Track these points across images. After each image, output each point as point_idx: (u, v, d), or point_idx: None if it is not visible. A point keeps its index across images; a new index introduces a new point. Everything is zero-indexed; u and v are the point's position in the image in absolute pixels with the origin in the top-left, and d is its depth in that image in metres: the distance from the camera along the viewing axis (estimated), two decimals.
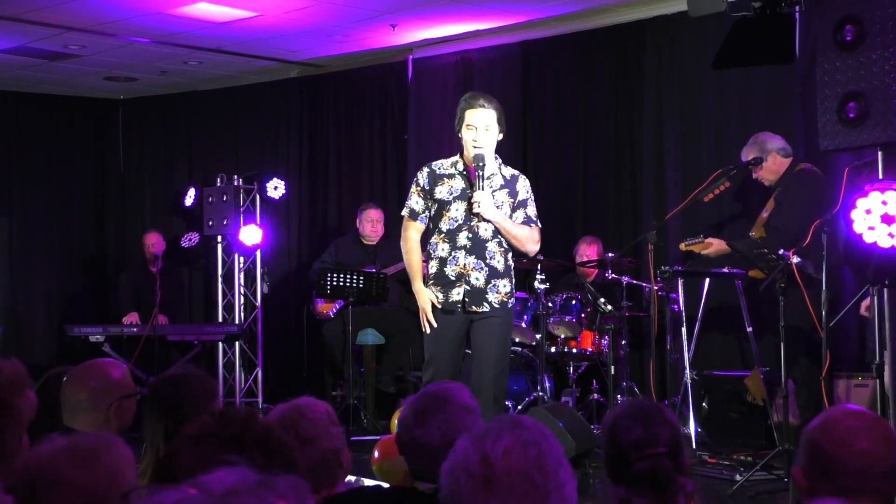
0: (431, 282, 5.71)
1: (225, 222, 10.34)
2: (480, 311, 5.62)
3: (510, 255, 5.76)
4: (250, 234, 10.07)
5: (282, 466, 2.03)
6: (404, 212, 5.87)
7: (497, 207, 5.65)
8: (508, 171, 5.82)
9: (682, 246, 7.37)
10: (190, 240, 10.42)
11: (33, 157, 11.20)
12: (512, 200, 5.73)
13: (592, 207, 8.94)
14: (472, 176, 5.63)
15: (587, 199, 8.96)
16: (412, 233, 5.82)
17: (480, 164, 5.60)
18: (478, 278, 5.62)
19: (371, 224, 9.18)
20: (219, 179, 10.48)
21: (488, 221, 5.61)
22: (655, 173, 8.54)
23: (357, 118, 10.47)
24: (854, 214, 3.64)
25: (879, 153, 3.97)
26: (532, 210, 5.80)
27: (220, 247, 10.58)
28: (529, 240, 5.75)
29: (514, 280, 5.78)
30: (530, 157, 9.20)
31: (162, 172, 11.55)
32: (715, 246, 7.12)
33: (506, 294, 5.67)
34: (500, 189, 5.72)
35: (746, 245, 6.83)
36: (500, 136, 5.74)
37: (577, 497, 2.03)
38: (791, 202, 6.81)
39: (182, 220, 10.90)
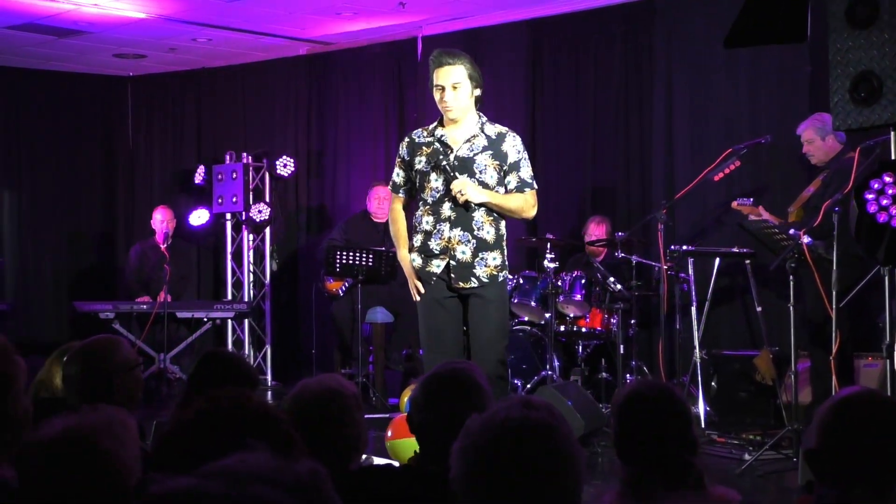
0: (413, 252, 5.42)
1: (234, 200, 10.36)
2: (468, 286, 5.28)
3: (503, 223, 5.41)
4: (259, 212, 10.13)
5: (280, 446, 2.03)
6: (389, 185, 5.71)
7: (480, 173, 5.26)
8: (494, 130, 5.36)
9: (734, 204, 7.22)
10: (199, 217, 10.44)
11: (42, 134, 11.21)
12: (497, 163, 5.30)
13: (601, 186, 8.92)
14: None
15: (596, 178, 8.95)
16: (395, 204, 5.58)
17: (448, 150, 5.32)
18: (464, 252, 5.27)
19: (378, 202, 9.17)
20: (228, 157, 10.50)
21: (479, 206, 5.26)
22: (665, 152, 8.51)
23: (366, 96, 10.45)
24: (867, 195, 3.62)
25: (892, 132, 3.95)
26: (525, 171, 5.37)
27: (228, 224, 10.60)
28: (526, 207, 5.38)
29: (506, 251, 5.41)
30: (539, 134, 9.18)
31: (171, 150, 11.55)
32: (764, 216, 6.97)
33: (495, 267, 5.31)
34: (482, 151, 5.30)
35: (756, 224, 6.81)
36: (478, 92, 5.30)
37: (586, 476, 2.04)
38: (838, 189, 6.76)
39: (191, 197, 10.91)
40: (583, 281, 7.82)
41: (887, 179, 3.58)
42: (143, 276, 10.04)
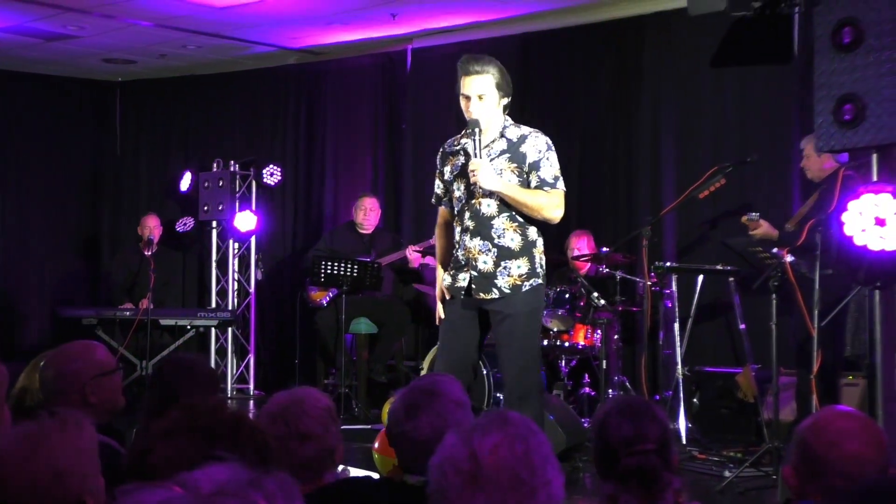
0: (450, 266, 5.17)
1: (220, 208, 10.36)
2: (489, 297, 4.97)
3: (531, 229, 5.07)
4: (245, 221, 10.09)
5: (256, 457, 2.03)
6: (433, 199, 5.41)
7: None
8: (516, 132, 5.08)
9: (743, 219, 7.12)
10: (185, 224, 10.43)
11: (30, 137, 11.18)
12: (515, 165, 5.00)
13: (588, 201, 8.94)
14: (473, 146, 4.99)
15: (583, 193, 8.96)
16: (439, 218, 5.34)
17: (476, 129, 4.98)
18: (485, 262, 4.98)
19: (364, 213, 9.18)
20: (215, 164, 10.50)
21: (490, 194, 4.96)
22: (651, 169, 8.55)
23: (355, 107, 10.46)
24: (846, 217, 3.65)
25: (874, 156, 3.98)
26: (547, 171, 5.02)
27: (214, 232, 10.60)
28: (547, 206, 4.98)
29: (536, 259, 5.05)
30: None
31: (158, 156, 11.54)
32: (763, 228, 6.94)
33: (520, 276, 4.97)
34: (499, 155, 5.02)
35: (740, 243, 6.84)
36: (506, 101, 5.10)
37: (564, 493, 2.04)
38: (828, 207, 6.77)
39: (177, 204, 10.90)
40: (567, 296, 7.83)
41: (867, 201, 3.61)
42: (127, 282, 10.02)
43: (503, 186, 4.92)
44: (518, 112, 9.12)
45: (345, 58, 10.42)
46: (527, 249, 5.03)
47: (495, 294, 4.97)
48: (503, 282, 4.97)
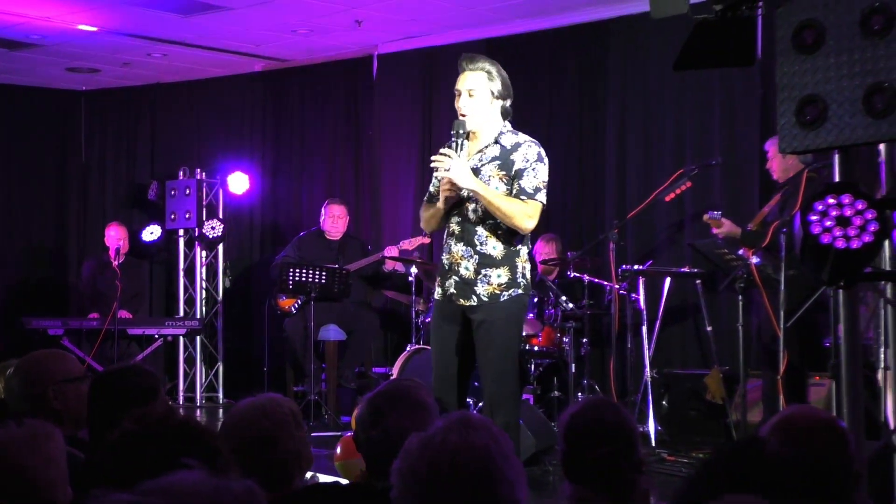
0: (437, 273, 5.12)
1: (187, 216, 10.31)
2: (469, 304, 4.90)
3: (515, 238, 4.96)
4: (238, 182, 10.13)
5: (210, 463, 2.02)
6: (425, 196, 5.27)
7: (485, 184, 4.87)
8: (512, 139, 4.99)
9: (705, 217, 7.15)
10: (151, 233, 10.39)
11: None
12: (504, 173, 4.91)
13: (554, 206, 8.92)
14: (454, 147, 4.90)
15: (549, 198, 8.95)
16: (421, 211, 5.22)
17: (460, 130, 4.89)
18: (467, 268, 4.91)
19: (332, 220, 9.18)
20: (181, 173, 10.46)
21: (467, 196, 4.87)
22: (617, 172, 8.58)
23: (321, 113, 10.45)
24: (810, 216, 3.67)
25: (836, 156, 4.00)
26: (528, 182, 4.89)
27: (181, 240, 10.56)
28: (520, 214, 4.84)
29: (518, 268, 4.93)
30: None
31: (124, 165, 11.48)
32: (726, 227, 6.97)
33: (499, 285, 4.88)
34: (489, 162, 4.93)
35: (707, 245, 6.87)
36: (502, 102, 5.02)
37: (527, 496, 2.04)
38: (792, 207, 6.82)
39: (144, 212, 10.85)
40: (535, 300, 7.85)
41: (830, 201, 3.63)
42: (95, 291, 9.95)
43: (476, 185, 4.81)
44: None
45: (310, 64, 10.41)
46: (509, 258, 4.93)
47: (474, 301, 4.91)
48: (482, 289, 4.90)
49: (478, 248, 4.90)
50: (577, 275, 7.72)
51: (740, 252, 6.37)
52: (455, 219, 4.97)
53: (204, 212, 10.34)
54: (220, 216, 10.35)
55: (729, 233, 6.85)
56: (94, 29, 9.09)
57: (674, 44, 6.94)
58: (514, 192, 4.90)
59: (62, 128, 11.55)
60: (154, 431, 2.08)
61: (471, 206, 4.93)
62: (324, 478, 4.02)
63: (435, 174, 4.98)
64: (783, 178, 6.85)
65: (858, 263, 3.78)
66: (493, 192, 4.85)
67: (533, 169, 4.93)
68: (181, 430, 2.10)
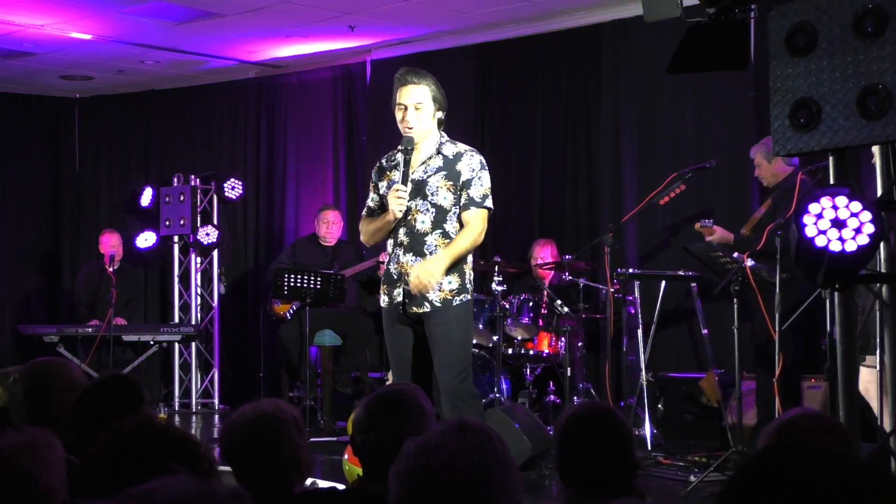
0: (382, 281, 5.27)
1: (182, 223, 10.30)
2: (421, 311, 5.05)
3: None
4: (232, 189, 10.19)
5: (193, 468, 2.02)
6: (364, 211, 5.48)
7: (432, 195, 5.05)
8: (452, 149, 5.14)
9: (697, 226, 7.17)
10: (146, 240, 10.38)
11: None
12: (451, 184, 5.06)
13: (549, 210, 8.98)
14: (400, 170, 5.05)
15: (544, 202, 9.00)
16: (360, 225, 5.38)
17: (408, 147, 5.05)
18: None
19: (327, 226, 9.18)
20: (175, 179, 10.45)
21: (426, 210, 5.04)
22: (612, 176, 8.59)
23: (315, 119, 10.45)
24: (805, 219, 3.68)
25: (830, 158, 4.02)
26: (476, 190, 5.07)
27: (176, 247, 10.54)
28: (476, 238, 5.06)
29: (466, 275, 5.10)
30: (487, 158, 9.15)
31: (118, 172, 11.47)
32: (718, 233, 6.98)
33: (450, 291, 5.04)
34: (435, 173, 5.07)
35: (701, 248, 6.88)
36: (441, 114, 5.15)
37: (524, 499, 2.04)
38: (785, 211, 6.83)
39: (138, 219, 10.83)
40: (530, 304, 7.85)
41: (825, 204, 3.64)
42: (90, 299, 9.95)
43: (447, 260, 4.97)
44: (478, 122, 9.26)
45: (304, 70, 10.41)
46: (458, 265, 5.07)
47: (427, 308, 5.05)
48: (434, 296, 5.03)
49: (427, 257, 5.04)
50: (573, 278, 7.72)
51: (735, 255, 6.37)
52: (403, 230, 5.11)
53: (198, 218, 10.33)
54: (215, 222, 10.34)
55: (722, 238, 6.87)
56: (88, 37, 9.08)
57: (667, 47, 6.96)
58: (464, 201, 5.07)
59: (56, 135, 11.54)
60: (132, 442, 2.08)
61: (419, 217, 5.09)
62: (322, 483, 4.02)
63: (386, 193, 5.12)
64: (772, 184, 6.87)
65: (853, 266, 3.79)
66: (453, 249, 5.00)
67: (479, 178, 5.11)
68: (161, 439, 2.10)
